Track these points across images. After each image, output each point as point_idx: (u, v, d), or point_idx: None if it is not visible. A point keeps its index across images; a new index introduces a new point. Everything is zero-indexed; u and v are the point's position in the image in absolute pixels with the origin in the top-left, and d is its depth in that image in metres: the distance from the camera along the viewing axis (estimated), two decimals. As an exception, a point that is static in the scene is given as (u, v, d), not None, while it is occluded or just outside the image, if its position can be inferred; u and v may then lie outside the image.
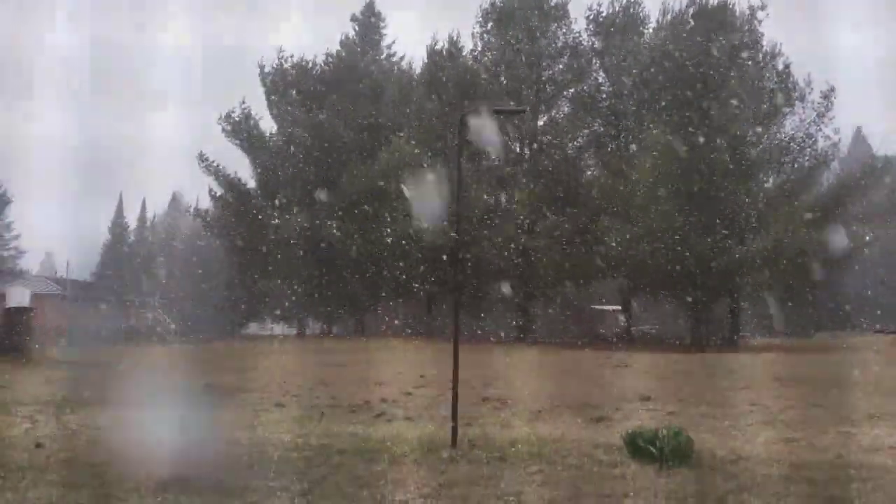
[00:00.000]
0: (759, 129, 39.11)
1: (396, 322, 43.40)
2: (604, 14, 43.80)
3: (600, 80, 45.07)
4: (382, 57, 53.51)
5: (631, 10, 43.85)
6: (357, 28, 54.63)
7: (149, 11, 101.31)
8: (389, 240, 41.80)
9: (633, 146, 41.24)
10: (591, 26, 44.41)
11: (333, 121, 45.84)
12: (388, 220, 41.43)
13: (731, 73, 37.91)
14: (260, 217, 45.09)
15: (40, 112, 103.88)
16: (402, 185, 39.83)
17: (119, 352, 33.32)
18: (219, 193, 48.96)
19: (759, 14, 40.07)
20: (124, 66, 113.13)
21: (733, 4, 40.45)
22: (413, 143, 42.06)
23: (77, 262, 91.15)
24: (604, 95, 44.70)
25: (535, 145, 43.78)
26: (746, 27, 40.17)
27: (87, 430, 9.75)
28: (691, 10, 41.46)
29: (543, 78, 44.61)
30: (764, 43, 40.77)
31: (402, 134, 43.40)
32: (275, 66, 49.73)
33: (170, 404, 12.47)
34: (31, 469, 7.12)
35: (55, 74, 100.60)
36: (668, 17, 42.87)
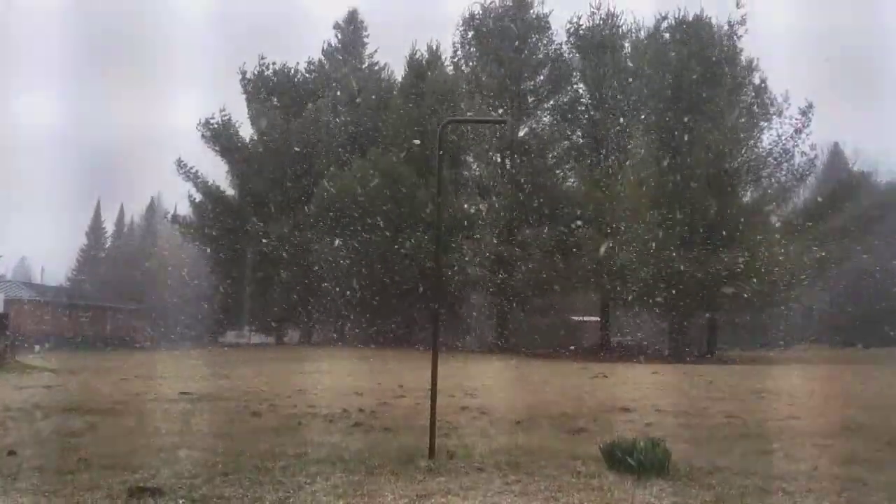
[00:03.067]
0: (737, 143, 39.50)
1: (375, 331, 43.27)
2: (584, 27, 44.11)
3: (581, 91, 45.36)
4: (364, 66, 53.56)
5: (611, 23, 44.20)
6: (339, 36, 54.66)
7: (129, 15, 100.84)
8: (368, 248, 41.75)
9: (613, 158, 41.53)
10: (571, 38, 44.70)
11: (313, 128, 45.79)
12: (367, 228, 41.41)
13: (709, 88, 38.27)
14: (238, 224, 44.91)
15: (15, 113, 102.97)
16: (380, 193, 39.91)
17: (94, 358, 33.00)
18: (198, 200, 48.70)
19: (740, 30, 40.54)
20: (104, 66, 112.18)
21: (710, 19, 40.92)
22: (391, 152, 42.12)
23: (52, 267, 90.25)
24: (584, 107, 44.98)
25: (515, 155, 43.96)
26: (724, 42, 40.59)
27: (60, 437, 9.62)
28: (664, 24, 41.93)
29: (524, 89, 44.85)
30: (741, 58, 41.26)
31: (380, 143, 43.49)
32: (256, 72, 49.63)
33: (144, 412, 12.36)
34: (1, 476, 7.02)
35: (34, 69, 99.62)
36: (644, 32, 43.31)
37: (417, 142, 39.47)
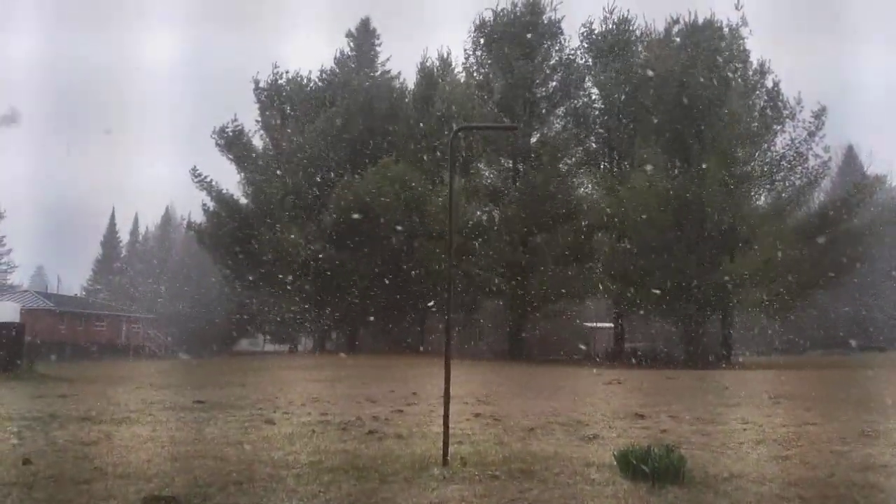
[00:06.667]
0: (750, 147, 39.27)
1: (388, 338, 43.31)
2: (597, 32, 44.01)
3: (593, 97, 45.25)
4: (377, 74, 53.67)
5: (624, 28, 44.08)
6: (352, 45, 54.80)
7: (143, 26, 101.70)
8: (380, 256, 41.78)
9: (626, 163, 41.38)
10: (584, 44, 44.61)
11: (326, 137, 45.90)
12: (379, 236, 41.46)
13: (721, 91, 38.08)
14: (252, 233, 45.03)
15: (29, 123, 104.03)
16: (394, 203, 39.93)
17: (109, 367, 33.19)
18: (212, 208, 48.88)
19: (743, 31, 40.29)
20: (117, 78, 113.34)
21: (720, 22, 40.70)
22: (402, 160, 42.16)
23: (68, 276, 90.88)
24: (596, 113, 44.84)
25: (527, 162, 43.87)
26: (734, 45, 40.36)
27: (75, 446, 9.66)
28: (676, 28, 41.75)
29: (537, 95, 44.75)
30: (753, 61, 41.04)
31: (392, 151, 43.56)
32: (269, 81, 49.83)
33: (159, 420, 12.40)
34: (17, 485, 7.04)
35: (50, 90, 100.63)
36: (654, 36, 43.10)
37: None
